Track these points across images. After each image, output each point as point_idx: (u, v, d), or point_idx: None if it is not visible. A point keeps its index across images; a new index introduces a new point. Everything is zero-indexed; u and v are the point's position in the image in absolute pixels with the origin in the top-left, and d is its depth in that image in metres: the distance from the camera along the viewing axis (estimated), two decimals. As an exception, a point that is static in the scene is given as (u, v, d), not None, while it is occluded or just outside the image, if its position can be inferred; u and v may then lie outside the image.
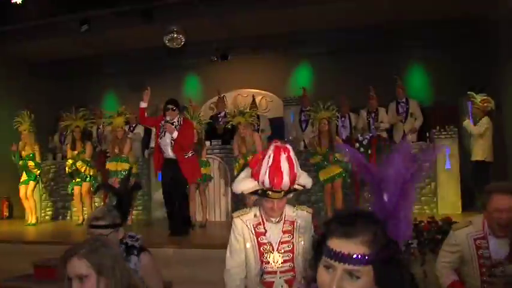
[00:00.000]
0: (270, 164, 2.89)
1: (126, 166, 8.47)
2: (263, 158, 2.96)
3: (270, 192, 2.93)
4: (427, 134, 8.83)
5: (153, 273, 3.23)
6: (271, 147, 2.94)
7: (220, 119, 9.64)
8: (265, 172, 2.90)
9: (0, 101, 10.90)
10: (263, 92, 12.15)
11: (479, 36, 10.18)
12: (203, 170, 7.95)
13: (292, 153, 2.94)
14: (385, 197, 1.47)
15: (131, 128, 10.07)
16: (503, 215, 3.05)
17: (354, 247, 1.34)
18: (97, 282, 2.01)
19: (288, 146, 2.98)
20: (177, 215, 6.78)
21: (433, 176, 8.41)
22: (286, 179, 2.89)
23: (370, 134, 8.47)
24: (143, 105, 7.05)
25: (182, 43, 9.67)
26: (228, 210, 8.80)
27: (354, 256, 1.33)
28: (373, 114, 9.35)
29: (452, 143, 8.40)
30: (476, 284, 3.26)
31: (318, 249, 1.44)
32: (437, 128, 8.51)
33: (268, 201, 2.99)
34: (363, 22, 10.40)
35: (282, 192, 2.94)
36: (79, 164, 8.76)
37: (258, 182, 2.96)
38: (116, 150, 8.54)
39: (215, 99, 10.89)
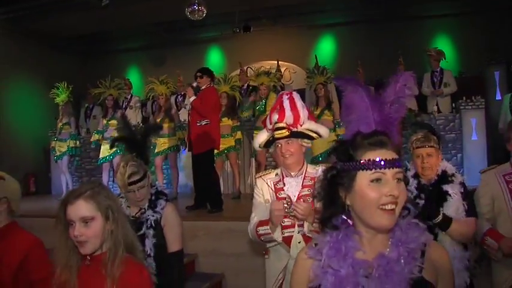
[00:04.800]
0: (273, 106, 3.12)
1: (174, 142, 8.33)
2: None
3: (275, 133, 3.03)
4: (454, 105, 8.67)
5: (174, 225, 3.29)
6: (277, 96, 3.19)
7: (243, 92, 9.58)
8: (268, 114, 3.12)
9: (23, 79, 11.01)
10: (286, 63, 12.07)
11: (507, 4, 9.92)
12: (227, 141, 7.86)
13: (295, 95, 3.12)
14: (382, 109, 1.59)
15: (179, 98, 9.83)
16: None
17: (390, 153, 1.45)
18: (101, 225, 1.99)
19: (293, 92, 3.19)
20: (207, 191, 6.53)
21: (459, 147, 8.30)
22: (288, 113, 3.02)
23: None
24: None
25: (204, 15, 9.59)
26: (252, 182, 8.79)
27: (395, 158, 1.44)
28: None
29: (479, 114, 8.25)
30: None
31: (331, 184, 1.51)
32: (464, 98, 8.35)
33: (277, 146, 3.05)
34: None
35: (286, 130, 3.00)
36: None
37: (266, 129, 3.15)
38: (165, 125, 8.18)
39: (238, 71, 10.84)
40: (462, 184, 3.17)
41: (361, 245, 1.46)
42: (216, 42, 12.99)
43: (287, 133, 2.99)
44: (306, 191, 3.04)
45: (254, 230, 3.04)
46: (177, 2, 9.45)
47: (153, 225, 3.17)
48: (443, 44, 11.09)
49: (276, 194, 3.08)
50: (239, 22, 11.60)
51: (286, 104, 3.04)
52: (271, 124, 3.08)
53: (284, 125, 3.00)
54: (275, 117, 3.04)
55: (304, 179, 3.06)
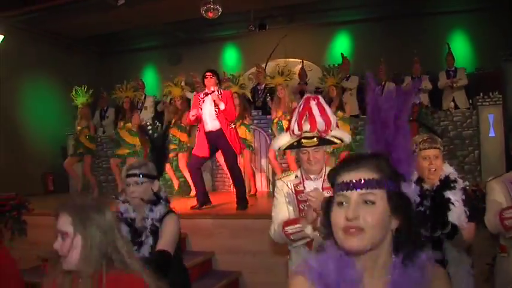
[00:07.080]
0: (300, 110, 3.03)
1: (185, 138, 8.41)
2: (295, 110, 3.11)
3: (303, 140, 3.00)
4: (471, 101, 8.60)
5: (168, 233, 3.07)
6: (302, 99, 3.12)
7: (259, 92, 9.58)
8: (295, 119, 3.04)
9: (40, 79, 11.10)
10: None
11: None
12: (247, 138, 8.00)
13: (322, 101, 3.09)
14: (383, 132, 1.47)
15: None
16: None
17: (362, 174, 1.34)
18: (72, 241, 1.87)
19: (319, 96, 3.13)
20: (239, 189, 6.57)
21: (476, 144, 8.23)
22: (319, 120, 2.99)
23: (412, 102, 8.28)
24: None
25: (219, 14, 9.61)
26: (268, 180, 8.82)
27: (365, 179, 1.33)
28: (416, 79, 8.95)
29: (496, 110, 8.17)
30: None
31: (328, 204, 1.41)
32: (481, 94, 8.28)
33: (303, 153, 3.03)
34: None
35: (315, 138, 2.99)
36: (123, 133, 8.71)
37: (290, 133, 3.07)
38: (177, 121, 8.38)
39: (253, 69, 10.83)
40: (463, 190, 3.09)
41: (363, 276, 1.37)
42: (232, 40, 12.98)
43: (316, 142, 2.99)
44: (326, 194, 3.02)
45: (281, 230, 3.00)
46: (193, 1, 9.48)
47: (153, 233, 3.08)
48: (460, 40, 11.00)
49: (296, 197, 3.08)
50: (254, 20, 11.60)
51: (315, 110, 3.01)
52: (299, 131, 3.03)
53: (315, 133, 2.99)
54: (306, 126, 3.00)
55: (324, 181, 3.06)
